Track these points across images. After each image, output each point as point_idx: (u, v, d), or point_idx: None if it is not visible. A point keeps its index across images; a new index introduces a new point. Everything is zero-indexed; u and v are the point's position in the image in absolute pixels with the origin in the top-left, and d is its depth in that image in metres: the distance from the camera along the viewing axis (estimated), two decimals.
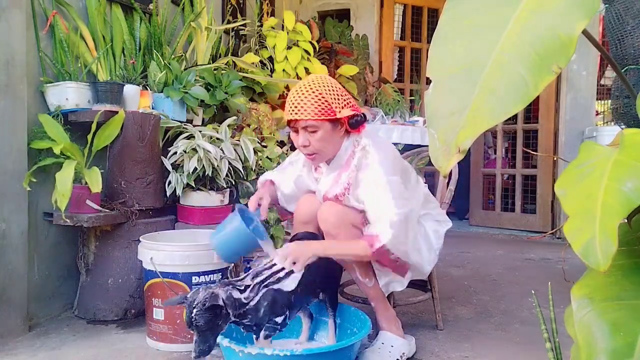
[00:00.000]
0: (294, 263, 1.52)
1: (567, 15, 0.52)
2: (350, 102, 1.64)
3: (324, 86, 1.58)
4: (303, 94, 1.57)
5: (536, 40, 0.53)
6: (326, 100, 1.56)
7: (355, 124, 1.63)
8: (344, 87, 1.69)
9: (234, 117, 2.67)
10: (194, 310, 1.35)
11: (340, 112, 1.58)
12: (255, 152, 2.53)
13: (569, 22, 0.52)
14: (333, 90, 1.59)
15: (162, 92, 2.48)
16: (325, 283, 1.69)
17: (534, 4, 0.55)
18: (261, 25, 3.61)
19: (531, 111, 4.56)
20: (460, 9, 0.63)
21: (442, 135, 0.57)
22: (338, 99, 1.59)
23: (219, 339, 1.45)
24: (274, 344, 1.77)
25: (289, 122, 1.62)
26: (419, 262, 1.73)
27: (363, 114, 1.65)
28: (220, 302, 1.37)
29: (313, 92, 1.57)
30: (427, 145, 0.66)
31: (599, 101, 4.52)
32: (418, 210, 1.77)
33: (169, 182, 2.33)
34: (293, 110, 1.58)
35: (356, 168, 1.64)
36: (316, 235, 1.74)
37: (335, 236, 1.63)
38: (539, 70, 0.52)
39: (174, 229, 2.32)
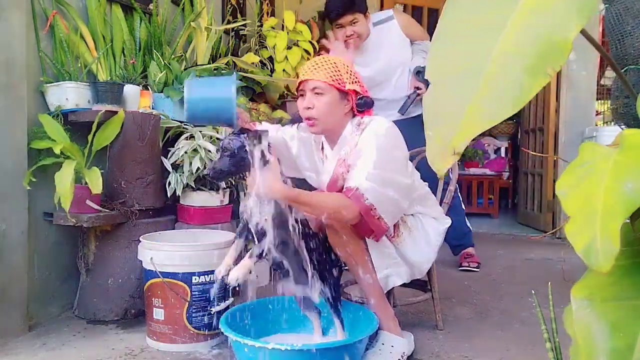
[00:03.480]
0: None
1: (564, 18, 0.52)
2: (360, 83, 1.71)
3: (338, 60, 1.70)
4: (318, 60, 1.68)
5: (534, 42, 0.53)
6: (338, 70, 1.66)
7: (362, 104, 1.70)
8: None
9: None
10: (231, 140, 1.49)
11: (348, 85, 1.67)
12: None
13: (565, 25, 0.52)
14: (346, 67, 1.69)
15: (162, 92, 2.48)
16: (324, 279, 1.69)
17: (532, 5, 0.55)
18: (261, 25, 3.61)
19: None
20: (459, 10, 0.63)
21: (439, 137, 0.58)
22: (349, 75, 1.68)
23: (227, 331, 1.50)
24: (289, 337, 1.80)
25: (299, 86, 1.70)
26: (417, 260, 1.77)
27: (371, 99, 1.72)
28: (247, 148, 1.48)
29: (327, 60, 1.68)
30: None
31: (599, 101, 4.52)
32: (411, 191, 1.74)
33: (169, 183, 2.33)
34: (306, 72, 1.68)
35: (356, 145, 1.66)
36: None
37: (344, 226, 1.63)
38: (535, 73, 0.53)
39: (174, 229, 2.32)
